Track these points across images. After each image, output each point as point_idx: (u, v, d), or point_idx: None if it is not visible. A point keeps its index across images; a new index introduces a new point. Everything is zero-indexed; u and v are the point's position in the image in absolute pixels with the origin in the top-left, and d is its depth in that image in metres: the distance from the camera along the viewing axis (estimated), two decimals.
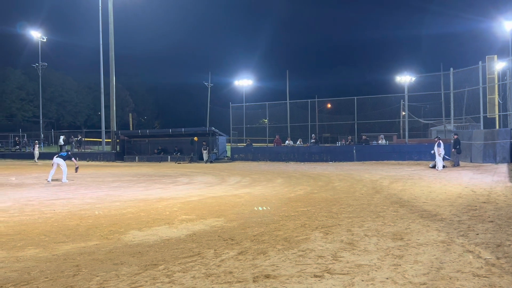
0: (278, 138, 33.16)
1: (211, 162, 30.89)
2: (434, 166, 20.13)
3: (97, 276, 4.64)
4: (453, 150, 21.98)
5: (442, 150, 19.76)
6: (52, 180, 16.50)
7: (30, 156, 37.42)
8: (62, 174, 16.74)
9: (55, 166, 16.88)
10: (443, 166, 19.73)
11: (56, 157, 17.05)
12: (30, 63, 57.54)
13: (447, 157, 21.23)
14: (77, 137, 41.51)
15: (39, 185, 15.38)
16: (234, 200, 10.77)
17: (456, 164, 21.30)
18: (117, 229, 7.21)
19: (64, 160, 17.03)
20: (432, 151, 20.36)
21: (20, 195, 12.27)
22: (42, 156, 37.83)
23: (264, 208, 8.06)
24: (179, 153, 33.93)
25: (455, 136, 22.03)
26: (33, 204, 10.30)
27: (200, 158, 32.38)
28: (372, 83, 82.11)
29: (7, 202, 10.67)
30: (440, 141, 20.25)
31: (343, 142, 31.38)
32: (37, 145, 36.44)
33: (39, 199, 11.34)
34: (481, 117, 24.48)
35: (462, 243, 5.86)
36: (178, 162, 31.68)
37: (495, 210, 8.52)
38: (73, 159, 17.37)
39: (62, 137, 41.41)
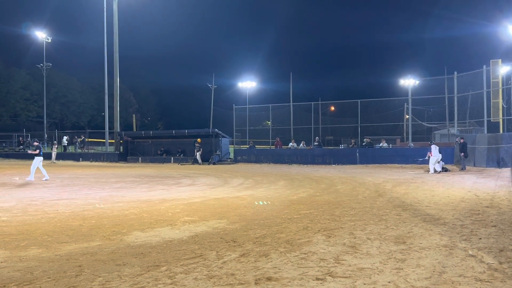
0: (279, 140, 33.14)
1: (214, 163, 30.88)
2: (443, 169, 20.15)
3: (100, 277, 4.66)
4: (461, 154, 21.90)
5: (437, 154, 19.82)
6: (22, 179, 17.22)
7: (33, 156, 37.45)
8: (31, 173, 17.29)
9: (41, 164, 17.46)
10: (435, 171, 19.75)
11: (40, 156, 17.51)
12: (34, 63, 57.74)
13: (420, 159, 21.25)
14: (81, 138, 41.60)
15: (43, 185, 15.43)
16: (236, 202, 10.78)
17: (462, 168, 21.24)
18: (120, 230, 7.23)
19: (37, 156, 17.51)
20: (427, 157, 20.53)
21: (24, 195, 12.32)
22: (45, 157, 37.84)
23: (265, 202, 7.89)
24: (182, 155, 33.94)
25: (462, 140, 21.96)
26: (36, 204, 10.33)
27: (205, 160, 32.25)
28: (375, 86, 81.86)
29: (10, 202, 10.71)
30: (432, 146, 20.33)
31: (351, 144, 31.24)
32: (56, 146, 36.38)
33: (43, 199, 11.38)
34: (485, 121, 24.44)
35: (464, 247, 5.85)
36: (181, 164, 31.70)
37: (498, 214, 8.49)
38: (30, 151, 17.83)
39: (65, 137, 41.50)
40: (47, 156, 37.41)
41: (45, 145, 46.67)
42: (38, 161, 17.30)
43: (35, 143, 18.33)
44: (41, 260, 5.36)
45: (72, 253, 5.70)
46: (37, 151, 17.43)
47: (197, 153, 31.76)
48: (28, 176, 17.30)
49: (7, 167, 26.77)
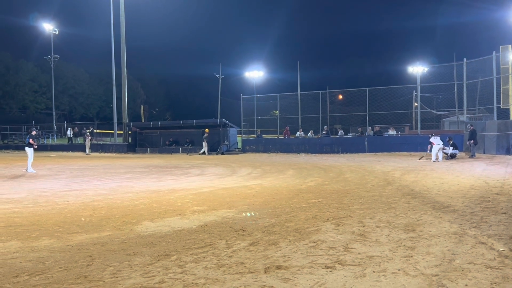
0: (288, 130, 33.08)
1: (222, 153, 30.89)
2: (453, 156, 20.08)
3: (111, 266, 4.70)
4: (469, 141, 21.69)
5: (438, 142, 19.70)
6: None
7: (43, 148, 37.76)
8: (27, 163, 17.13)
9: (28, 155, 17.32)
10: (437, 158, 19.71)
11: (29, 146, 17.42)
12: (42, 55, 57.96)
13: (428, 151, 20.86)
14: (89, 129, 41.80)
15: (53, 176, 15.56)
16: (245, 192, 10.81)
17: (472, 155, 21.11)
18: (130, 220, 7.28)
19: (29, 147, 17.36)
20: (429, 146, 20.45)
21: (34, 186, 12.43)
22: (55, 148, 38.28)
23: (252, 214, 7.51)
24: (190, 145, 33.98)
25: (471, 127, 21.80)
26: (47, 195, 10.43)
27: (213, 150, 32.12)
28: (384, 74, 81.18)
29: (21, 193, 10.82)
30: (432, 138, 20.20)
31: (358, 133, 31.05)
32: (89, 137, 35.90)
33: (53, 190, 11.48)
34: (495, 108, 24.19)
35: (474, 234, 5.83)
36: (189, 154, 31.77)
37: (508, 201, 8.44)
38: (30, 140, 17.56)
39: (69, 129, 41.61)
40: (57, 148, 37.83)
41: (54, 137, 47.03)
42: (29, 151, 17.33)
43: (33, 132, 18.31)
44: (53, 250, 5.42)
45: (83, 243, 5.76)
46: (31, 141, 17.52)
47: (203, 143, 31.55)
48: (31, 170, 17.29)
49: (17, 159, 26.99)
